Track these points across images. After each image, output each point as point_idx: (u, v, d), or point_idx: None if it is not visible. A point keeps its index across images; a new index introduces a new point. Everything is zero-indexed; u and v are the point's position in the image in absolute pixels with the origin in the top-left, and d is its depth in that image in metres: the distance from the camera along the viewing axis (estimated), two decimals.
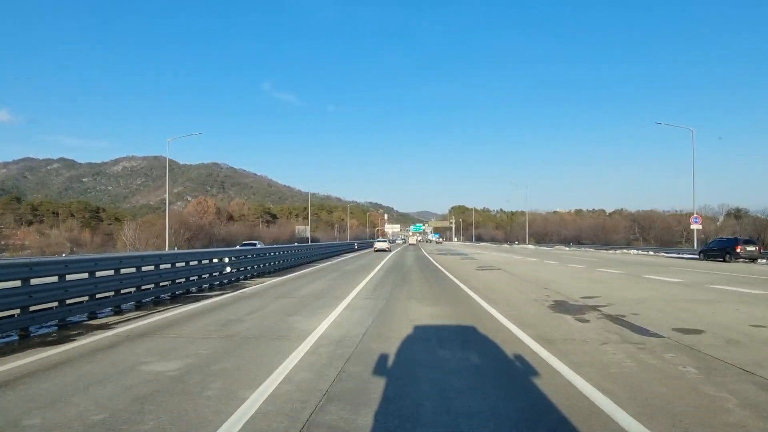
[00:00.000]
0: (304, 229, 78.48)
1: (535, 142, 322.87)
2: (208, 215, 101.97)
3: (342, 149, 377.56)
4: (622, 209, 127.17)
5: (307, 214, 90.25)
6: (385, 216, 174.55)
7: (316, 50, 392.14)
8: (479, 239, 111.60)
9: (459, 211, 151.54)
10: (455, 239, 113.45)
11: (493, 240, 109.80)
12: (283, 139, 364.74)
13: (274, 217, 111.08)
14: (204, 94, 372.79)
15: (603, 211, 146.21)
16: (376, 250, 49.46)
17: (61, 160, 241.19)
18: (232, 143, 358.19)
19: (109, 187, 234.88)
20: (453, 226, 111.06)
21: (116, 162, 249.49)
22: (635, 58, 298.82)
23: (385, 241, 59.98)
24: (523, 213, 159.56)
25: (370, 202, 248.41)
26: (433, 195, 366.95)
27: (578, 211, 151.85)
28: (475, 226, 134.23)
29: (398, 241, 65.38)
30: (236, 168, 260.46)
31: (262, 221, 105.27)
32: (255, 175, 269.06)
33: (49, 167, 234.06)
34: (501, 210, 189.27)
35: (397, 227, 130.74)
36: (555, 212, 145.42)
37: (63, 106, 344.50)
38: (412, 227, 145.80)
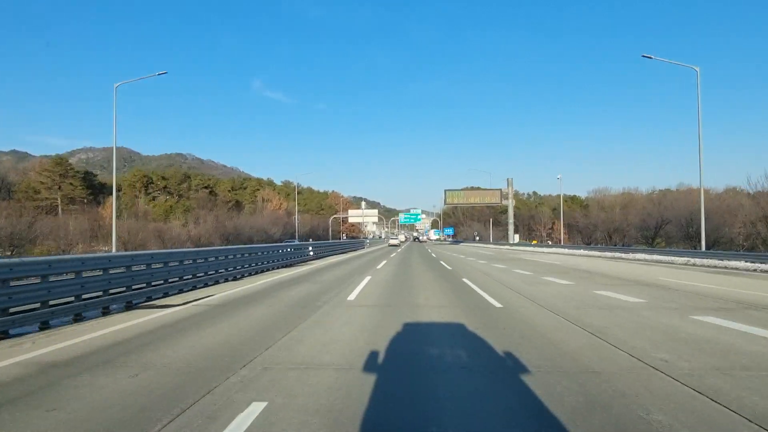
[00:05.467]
0: None
1: (528, 137, 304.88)
2: None
3: (330, 146, 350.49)
4: (709, 188, 71.86)
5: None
6: (363, 203, 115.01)
7: (306, 49, 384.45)
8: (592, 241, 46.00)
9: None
10: (516, 238, 51.10)
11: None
12: (270, 135, 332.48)
13: (97, 190, 51.46)
14: (196, 91, 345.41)
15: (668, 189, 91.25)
16: (390, 245, 52.98)
17: (13, 152, 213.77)
18: (219, 140, 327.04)
19: None
20: (511, 205, 48.98)
21: (72, 154, 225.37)
22: (625, 56, 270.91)
23: (396, 237, 65.10)
24: (579, 196, 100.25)
25: (354, 197, 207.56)
26: (423, 192, 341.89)
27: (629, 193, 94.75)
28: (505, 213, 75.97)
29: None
30: (203, 159, 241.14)
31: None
32: (225, 166, 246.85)
33: None
34: (534, 193, 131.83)
35: (373, 215, 71.52)
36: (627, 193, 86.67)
37: (52, 105, 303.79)
38: (401, 216, 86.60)
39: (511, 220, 50.03)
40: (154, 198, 58.70)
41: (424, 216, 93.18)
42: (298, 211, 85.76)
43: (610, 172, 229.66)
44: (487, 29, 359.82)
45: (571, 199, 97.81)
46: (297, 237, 48.32)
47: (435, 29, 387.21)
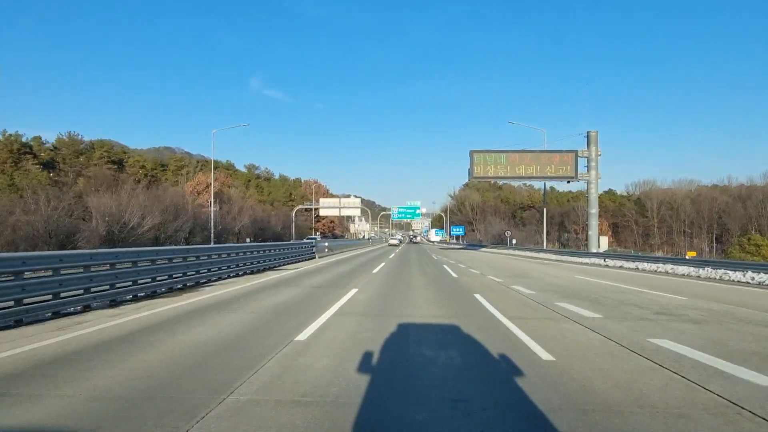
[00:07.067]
0: None
1: (532, 135, 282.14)
2: None
3: (328, 145, 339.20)
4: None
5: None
6: (351, 197, 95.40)
7: (305, 48, 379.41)
8: None
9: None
10: (604, 244, 28.67)
11: None
12: (269, 134, 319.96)
13: None
14: (194, 89, 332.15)
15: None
16: (390, 245, 55.83)
17: None
18: (218, 138, 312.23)
19: None
20: (596, 181, 25.76)
21: None
22: (621, 58, 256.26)
23: (395, 237, 64.72)
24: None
25: (347, 194, 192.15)
26: (422, 192, 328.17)
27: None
28: (538, 211, 57.07)
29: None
30: (192, 153, 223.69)
31: None
32: (216, 161, 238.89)
33: None
34: (552, 188, 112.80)
35: (354, 205, 52.09)
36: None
37: (45, 100, 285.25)
38: (394, 211, 67.06)
39: (594, 210, 28.58)
40: (23, 172, 39.77)
41: (424, 210, 73.90)
42: (260, 201, 66.15)
43: (619, 168, 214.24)
44: (488, 29, 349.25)
45: (609, 195, 78.95)
46: (212, 237, 28.82)
47: (435, 29, 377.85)
